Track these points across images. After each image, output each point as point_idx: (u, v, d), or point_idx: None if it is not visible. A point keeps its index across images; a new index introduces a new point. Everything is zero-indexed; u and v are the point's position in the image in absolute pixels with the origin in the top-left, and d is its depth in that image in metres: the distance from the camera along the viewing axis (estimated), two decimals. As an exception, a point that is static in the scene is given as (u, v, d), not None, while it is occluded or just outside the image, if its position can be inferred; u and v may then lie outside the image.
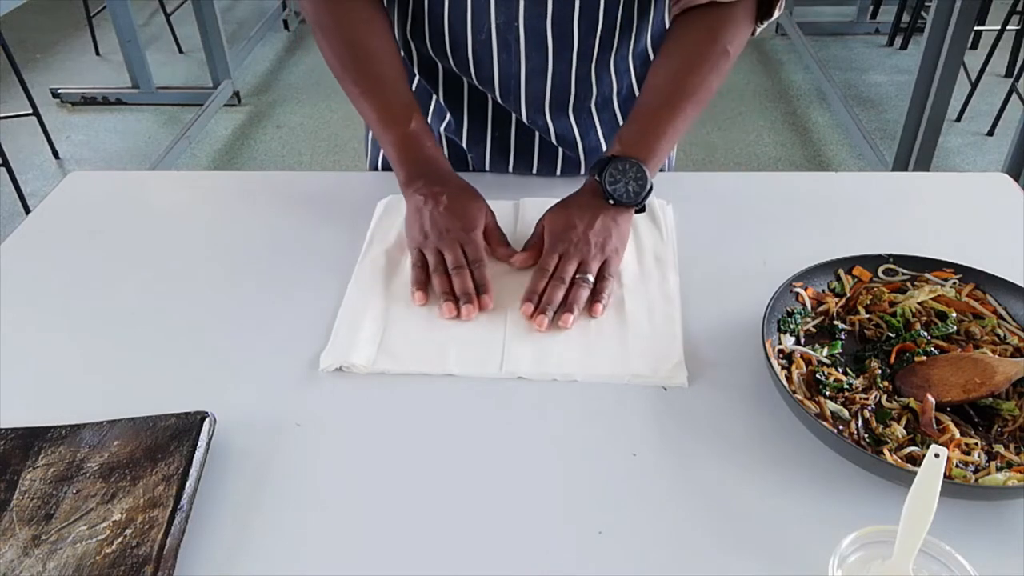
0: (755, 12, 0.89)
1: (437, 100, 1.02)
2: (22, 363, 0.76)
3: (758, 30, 0.91)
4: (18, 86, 2.83)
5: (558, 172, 1.04)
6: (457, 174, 0.90)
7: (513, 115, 0.99)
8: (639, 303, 0.80)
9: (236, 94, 3.46)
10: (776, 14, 0.90)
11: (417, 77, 1.02)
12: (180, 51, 4.01)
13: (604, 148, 1.02)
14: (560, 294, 0.79)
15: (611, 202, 0.84)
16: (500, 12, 0.88)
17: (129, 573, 0.54)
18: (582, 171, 1.04)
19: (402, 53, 1.00)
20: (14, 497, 0.61)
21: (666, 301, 0.80)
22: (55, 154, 3.09)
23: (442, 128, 1.03)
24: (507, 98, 0.96)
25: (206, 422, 0.64)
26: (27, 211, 2.62)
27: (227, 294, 0.84)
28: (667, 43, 0.90)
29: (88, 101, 3.48)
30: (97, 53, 3.99)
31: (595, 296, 0.80)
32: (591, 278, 0.81)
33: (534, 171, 1.04)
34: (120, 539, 0.56)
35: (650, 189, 0.84)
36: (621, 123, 1.01)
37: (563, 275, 0.80)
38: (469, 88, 0.99)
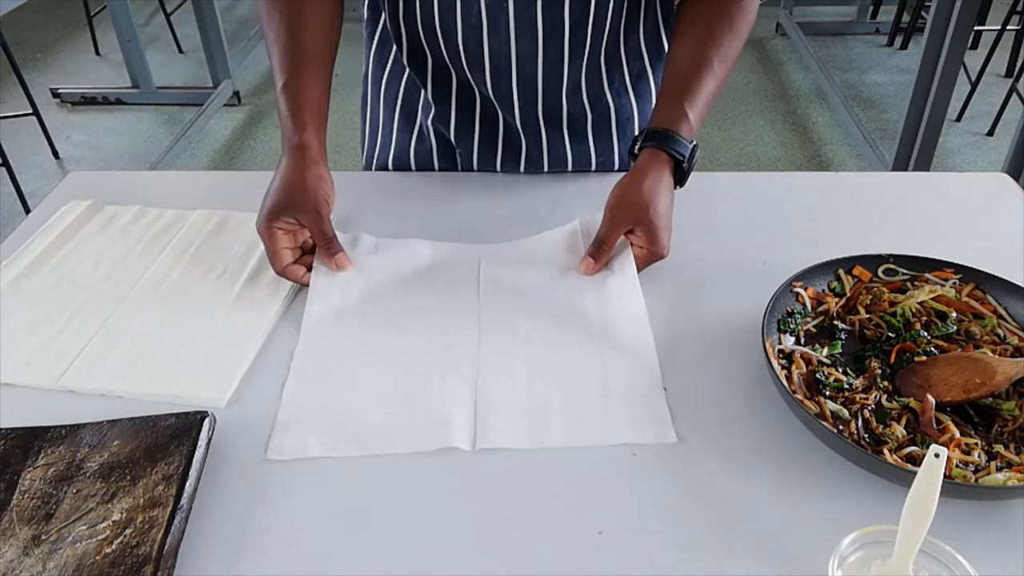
0: None
1: (425, 95, 1.01)
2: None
3: None
4: (18, 86, 2.83)
5: (545, 168, 1.04)
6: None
7: (501, 112, 0.99)
8: (619, 364, 0.73)
9: (236, 94, 3.46)
10: None
11: (407, 71, 1.01)
12: (180, 51, 4.01)
13: (592, 148, 1.02)
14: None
15: (677, 187, 0.87)
16: None
17: (129, 573, 0.54)
18: (569, 167, 1.03)
19: (394, 46, 1.00)
20: (14, 497, 0.61)
21: (644, 359, 0.74)
22: (55, 154, 3.09)
23: (428, 121, 1.03)
24: (498, 87, 0.95)
25: (206, 422, 0.64)
26: (27, 211, 2.62)
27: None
28: (684, 16, 0.91)
29: (88, 101, 3.48)
30: (97, 53, 3.99)
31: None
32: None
33: (521, 168, 1.04)
34: (120, 539, 0.56)
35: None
36: (615, 122, 1.01)
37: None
38: (458, 82, 0.98)
